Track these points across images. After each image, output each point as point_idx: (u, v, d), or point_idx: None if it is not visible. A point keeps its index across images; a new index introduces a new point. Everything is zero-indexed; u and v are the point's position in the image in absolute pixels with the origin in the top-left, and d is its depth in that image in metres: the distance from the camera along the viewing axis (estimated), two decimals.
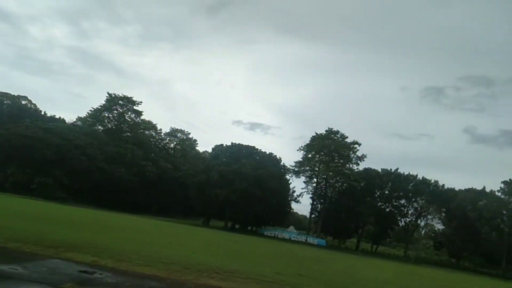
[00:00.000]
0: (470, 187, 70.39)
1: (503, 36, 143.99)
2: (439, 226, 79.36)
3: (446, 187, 71.64)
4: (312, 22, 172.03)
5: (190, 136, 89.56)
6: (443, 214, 72.23)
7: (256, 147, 71.84)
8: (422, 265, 55.10)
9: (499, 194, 65.71)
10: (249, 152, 69.97)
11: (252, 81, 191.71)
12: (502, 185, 65.69)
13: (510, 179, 65.15)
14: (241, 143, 72.10)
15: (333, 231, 74.60)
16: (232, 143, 72.26)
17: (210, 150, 78.25)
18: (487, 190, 67.03)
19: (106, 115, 75.08)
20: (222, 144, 73.13)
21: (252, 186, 62.28)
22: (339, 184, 71.11)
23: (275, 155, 72.45)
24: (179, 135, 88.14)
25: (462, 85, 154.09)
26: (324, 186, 72.40)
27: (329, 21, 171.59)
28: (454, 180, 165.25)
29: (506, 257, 62.06)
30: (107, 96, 74.26)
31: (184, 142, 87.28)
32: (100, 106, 74.47)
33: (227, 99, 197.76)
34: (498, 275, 62.02)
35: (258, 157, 69.49)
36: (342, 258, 36.97)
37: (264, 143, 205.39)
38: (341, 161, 69.94)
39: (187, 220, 70.88)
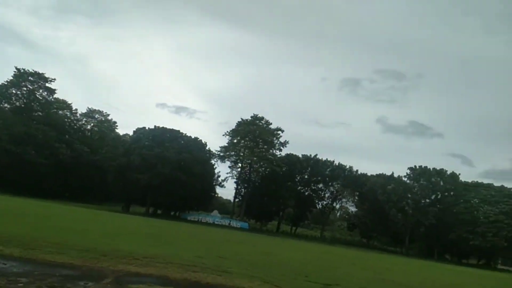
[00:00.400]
0: (381, 172, 76.63)
1: (414, 34, 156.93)
2: (352, 209, 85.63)
3: (359, 172, 77.13)
4: (239, 7, 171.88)
5: (110, 117, 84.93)
6: (356, 198, 77.83)
7: (180, 131, 70.55)
8: (337, 245, 59.03)
9: (405, 179, 72.40)
10: (174, 136, 68.45)
11: (178, 63, 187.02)
12: (408, 171, 72.48)
13: (415, 166, 72.08)
14: (165, 126, 70.23)
15: (255, 215, 76.61)
16: (155, 126, 70.06)
17: (131, 133, 75.04)
18: (395, 175, 73.48)
19: (14, 91, 67.91)
20: (144, 127, 70.58)
21: (175, 171, 61.18)
22: (263, 169, 72.87)
23: (200, 140, 71.84)
24: (97, 116, 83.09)
25: (377, 77, 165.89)
26: (248, 171, 73.66)
27: (256, 8, 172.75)
28: (367, 166, 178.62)
29: (409, 236, 68.91)
30: (15, 71, 67.10)
31: (103, 124, 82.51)
32: (7, 81, 67.18)
33: (151, 80, 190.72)
34: (402, 252, 68.81)
35: (182, 141, 68.29)
36: (263, 240, 38.12)
37: (189, 128, 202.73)
38: (265, 146, 71.55)
39: (105, 206, 67.66)
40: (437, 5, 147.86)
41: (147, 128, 70.07)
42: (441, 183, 69.64)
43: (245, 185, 74.42)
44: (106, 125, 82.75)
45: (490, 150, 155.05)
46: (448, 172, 70.41)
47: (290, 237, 64.49)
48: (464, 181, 71.35)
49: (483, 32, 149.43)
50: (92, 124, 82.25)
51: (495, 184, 70.75)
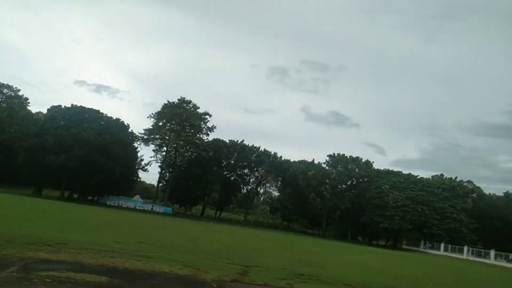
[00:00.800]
0: (303, 159, 79.85)
1: (339, 28, 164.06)
2: (275, 193, 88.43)
3: (283, 158, 79.71)
4: None
5: (20, 93, 77.36)
6: (279, 183, 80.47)
7: (101, 111, 66.76)
8: (259, 228, 60.71)
9: (325, 165, 76.36)
10: (93, 116, 64.57)
11: (101, 39, 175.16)
12: (327, 158, 76.50)
13: (333, 153, 76.27)
14: (83, 105, 65.91)
15: (180, 199, 75.70)
16: (72, 104, 65.41)
17: (45, 111, 69.22)
18: (316, 162, 77.14)
19: None
20: (60, 106, 65.55)
21: (94, 153, 57.96)
22: (189, 153, 71.89)
23: (123, 121, 68.72)
24: (5, 91, 75.16)
25: (303, 68, 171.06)
26: (173, 155, 72.22)
27: None
28: (290, 152, 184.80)
29: (326, 219, 73.16)
30: None
31: (12, 100, 74.81)
32: None
33: (70, 55, 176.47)
34: (319, 234, 72.86)
35: (102, 122, 64.74)
36: (187, 225, 37.90)
37: (110, 108, 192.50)
38: (192, 130, 70.57)
39: (13, 189, 62.04)
40: (360, 2, 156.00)
41: (63, 106, 65.21)
42: (357, 170, 74.64)
43: (170, 169, 72.97)
44: (16, 102, 75.15)
45: (400, 140, 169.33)
46: (363, 160, 75.64)
47: (214, 221, 64.90)
48: (377, 169, 77.19)
49: (400, 31, 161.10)
50: None
51: (404, 172, 77.71)
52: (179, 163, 72.38)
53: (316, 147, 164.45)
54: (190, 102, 70.94)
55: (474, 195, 75.39)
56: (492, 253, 53.75)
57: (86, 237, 13.47)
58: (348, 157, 75.27)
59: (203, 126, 71.90)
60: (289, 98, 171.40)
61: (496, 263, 50.94)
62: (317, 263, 17.60)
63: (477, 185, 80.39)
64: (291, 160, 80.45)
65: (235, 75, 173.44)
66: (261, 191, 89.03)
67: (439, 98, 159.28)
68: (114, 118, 67.31)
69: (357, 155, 75.88)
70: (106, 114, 66.65)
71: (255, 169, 77.85)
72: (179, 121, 69.00)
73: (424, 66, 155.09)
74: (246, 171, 78.34)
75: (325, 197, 70.51)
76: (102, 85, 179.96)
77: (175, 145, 69.03)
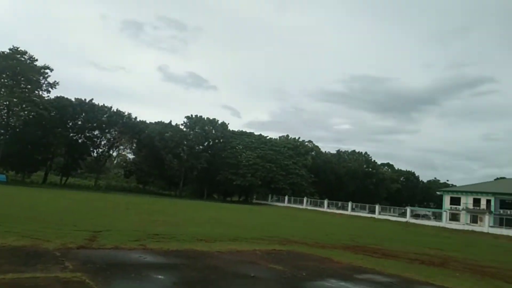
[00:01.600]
0: (160, 120, 78.01)
1: None
2: (130, 156, 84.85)
3: (138, 119, 76.35)
4: None
5: None
6: (134, 145, 77.31)
7: None
8: (112, 193, 57.90)
9: (182, 127, 76.24)
10: None
11: None
12: (185, 120, 76.42)
13: (191, 115, 76.54)
14: None
15: (16, 165, 66.27)
16: None
17: None
18: (173, 123, 76.29)
19: None
20: None
21: None
22: (26, 112, 62.66)
23: None
24: None
25: (160, 24, 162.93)
26: (6, 115, 62.03)
27: None
28: (146, 113, 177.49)
29: (183, 179, 74.01)
30: None
31: None
32: None
33: None
34: (176, 195, 73.53)
35: None
36: (25, 192, 33.75)
37: None
38: (29, 86, 61.31)
39: None
40: None
41: None
42: (213, 132, 76.80)
43: (2, 131, 62.75)
44: None
45: (254, 103, 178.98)
46: (220, 122, 78.12)
47: (59, 188, 59.21)
48: (232, 130, 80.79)
49: None
50: None
51: (256, 133, 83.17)
52: (13, 124, 62.70)
53: (173, 108, 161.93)
54: (25, 53, 61.08)
55: (313, 153, 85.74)
56: (326, 202, 63.01)
57: None
58: (205, 118, 76.63)
59: (42, 81, 63.08)
60: (145, 56, 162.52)
61: (328, 210, 60.00)
62: (172, 223, 17.82)
63: (316, 144, 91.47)
64: (147, 122, 77.80)
65: (82, 26, 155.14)
66: (114, 154, 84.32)
67: (287, 64, 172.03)
68: None
69: (214, 117, 77.99)
70: None
71: (107, 130, 72.78)
72: (11, 74, 59.05)
73: (276, 32, 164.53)
74: (96, 132, 72.57)
75: (182, 158, 70.88)
76: None
77: (7, 102, 59.25)
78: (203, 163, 70.82)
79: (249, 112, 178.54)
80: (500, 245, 29.62)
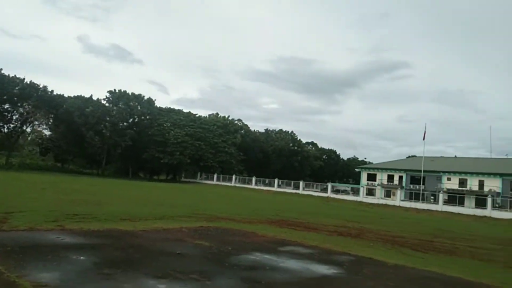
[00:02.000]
0: (79, 94, 72.89)
1: None
2: (46, 132, 78.56)
3: (55, 93, 70.53)
4: None
5: None
6: (51, 120, 71.59)
7: None
8: (26, 172, 53.49)
9: (105, 102, 72.09)
10: None
11: None
12: (107, 94, 72.27)
13: (114, 89, 72.55)
14: None
15: None
16: None
17: None
18: (94, 98, 71.74)
19: None
20: None
21: None
22: None
23: None
24: None
25: None
26: None
27: None
28: (64, 86, 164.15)
29: (105, 157, 70.53)
30: None
31: None
32: None
33: None
34: (98, 174, 70.06)
35: None
36: None
37: None
38: None
39: None
40: None
41: None
42: (139, 108, 73.74)
43: None
44: None
45: (183, 80, 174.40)
46: (146, 98, 75.11)
47: None
48: (159, 107, 78.28)
49: None
50: None
51: (185, 110, 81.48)
52: None
53: (95, 82, 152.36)
54: None
55: (242, 131, 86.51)
56: (254, 179, 64.41)
57: None
58: (130, 94, 73.20)
59: None
60: (63, 24, 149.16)
61: (256, 187, 61.47)
62: (93, 202, 17.02)
63: (245, 123, 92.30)
64: (65, 95, 72.24)
65: None
66: (28, 129, 77.44)
67: (217, 41, 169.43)
68: None
69: (139, 93, 74.80)
70: None
71: (19, 104, 66.44)
72: None
73: (207, 7, 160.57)
74: (7, 106, 65.94)
75: (104, 135, 67.35)
76: None
77: None
78: (128, 140, 68.06)
79: (177, 88, 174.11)
80: (409, 217, 32.79)
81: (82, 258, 6.50)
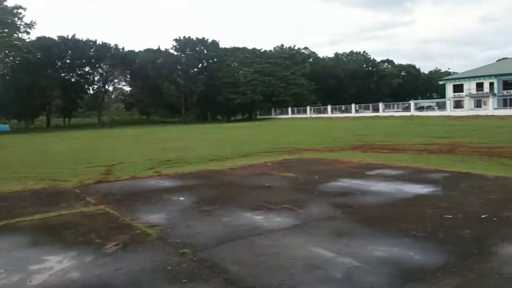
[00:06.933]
0: (148, 47, 75.43)
1: None
2: (127, 88, 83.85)
3: (126, 49, 73.83)
4: None
5: None
6: (128, 76, 75.87)
7: None
8: (117, 127, 58.40)
9: (173, 51, 73.92)
10: None
11: None
12: (174, 43, 73.81)
13: (179, 37, 73.66)
14: None
15: (16, 113, 66.20)
16: None
17: None
18: (162, 49, 73.87)
19: None
20: None
21: None
22: (11, 58, 60.80)
23: None
24: None
25: None
26: None
27: None
28: (132, 42, 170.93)
29: (184, 105, 73.83)
30: None
31: None
32: None
33: None
34: (180, 121, 74.07)
35: None
36: (31, 138, 34.10)
37: None
38: (6, 30, 58.60)
39: None
40: None
41: None
42: (205, 52, 74.53)
43: None
44: None
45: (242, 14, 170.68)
46: (210, 41, 75.31)
47: (63, 129, 59.66)
48: (224, 48, 78.24)
49: None
50: None
51: (248, 48, 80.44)
52: (1, 72, 61.23)
53: (157, 32, 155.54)
54: None
55: (310, 60, 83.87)
56: (329, 107, 63.29)
57: None
58: (194, 39, 73.89)
59: (19, 23, 60.12)
60: None
61: (333, 115, 60.50)
62: (181, 148, 18.12)
63: (312, 50, 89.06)
64: (136, 50, 75.34)
65: None
66: (111, 88, 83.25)
67: None
68: None
69: (202, 36, 75.15)
70: None
71: (97, 65, 71.06)
72: None
73: None
74: (87, 69, 71.03)
75: (179, 83, 69.93)
76: None
77: None
78: (201, 86, 70.00)
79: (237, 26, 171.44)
80: (504, 126, 30.13)
81: (182, 198, 7.01)
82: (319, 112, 64.64)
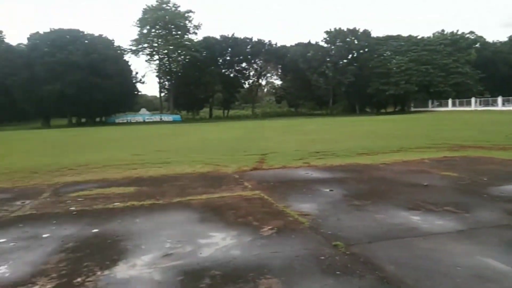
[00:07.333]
0: (299, 41, 77.34)
1: None
2: (277, 82, 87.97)
3: (278, 45, 77.22)
4: None
5: None
6: (279, 71, 79.37)
7: (80, 30, 63.52)
8: (268, 119, 61.84)
9: (323, 43, 74.14)
10: (74, 36, 61.53)
11: None
12: (324, 35, 73.85)
13: (330, 29, 73.33)
14: (61, 27, 62.52)
15: (185, 105, 76.19)
16: (51, 29, 62.19)
17: (25, 42, 65.79)
18: (313, 42, 74.75)
19: None
20: (38, 32, 62.31)
21: (87, 75, 56.75)
22: (182, 57, 69.97)
23: (106, 36, 65.79)
24: None
25: None
26: (167, 62, 70.46)
27: None
28: (284, 37, 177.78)
29: (332, 97, 73.65)
30: None
31: None
32: None
33: None
34: (327, 113, 74.20)
35: (86, 41, 62.03)
36: (197, 127, 38.67)
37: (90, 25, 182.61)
38: (179, 32, 67.56)
39: (22, 125, 62.94)
40: None
41: (42, 32, 61.99)
42: (356, 42, 72.48)
43: (168, 77, 71.97)
44: None
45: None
46: (361, 30, 72.91)
47: (223, 120, 66.03)
48: (376, 37, 74.73)
49: None
50: None
51: (403, 35, 75.07)
52: (174, 69, 70.99)
53: (310, 26, 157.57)
54: (169, 1, 66.75)
55: (477, 45, 73.77)
56: (500, 99, 54.57)
57: (105, 156, 13.84)
58: (345, 30, 72.59)
59: (189, 25, 68.58)
60: None
61: (504, 108, 51.97)
62: (329, 140, 18.12)
63: (480, 34, 78.11)
64: (288, 45, 78.15)
65: None
66: (263, 82, 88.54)
67: None
68: (97, 35, 64.34)
69: (353, 26, 73.28)
70: (87, 32, 63.55)
71: (253, 61, 76.21)
72: (163, 24, 65.78)
73: None
74: (244, 65, 76.85)
75: (328, 75, 69.88)
76: None
77: (166, 51, 66.82)
78: (350, 77, 68.57)
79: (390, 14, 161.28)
80: None
81: (331, 191, 7.02)
82: (486, 104, 56.46)
